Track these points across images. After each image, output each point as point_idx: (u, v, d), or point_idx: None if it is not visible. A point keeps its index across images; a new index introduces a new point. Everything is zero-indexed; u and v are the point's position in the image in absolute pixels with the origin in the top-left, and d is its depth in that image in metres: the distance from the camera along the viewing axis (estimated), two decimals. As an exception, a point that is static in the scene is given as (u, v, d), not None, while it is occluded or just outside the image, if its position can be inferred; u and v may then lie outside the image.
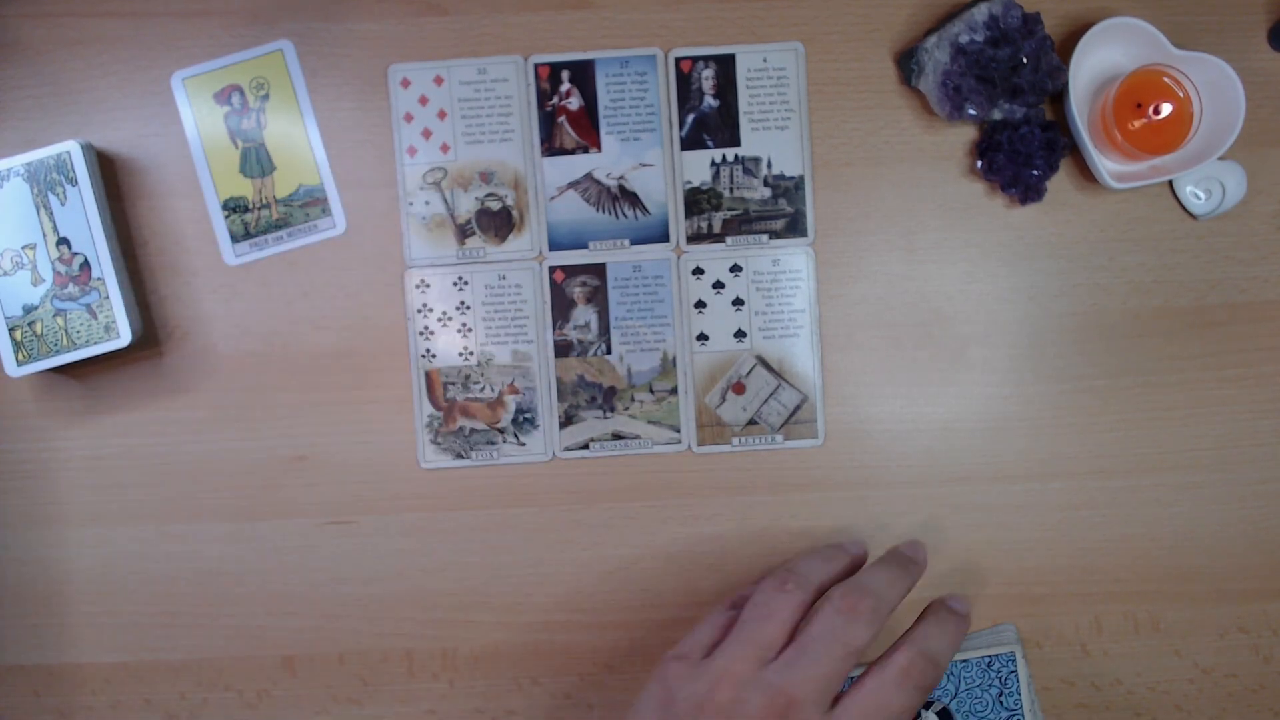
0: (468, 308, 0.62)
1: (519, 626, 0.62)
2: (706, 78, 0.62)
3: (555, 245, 0.62)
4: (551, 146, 0.62)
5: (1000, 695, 0.56)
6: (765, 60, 0.62)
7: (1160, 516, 0.62)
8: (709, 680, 0.47)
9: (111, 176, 0.61)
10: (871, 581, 0.51)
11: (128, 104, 0.61)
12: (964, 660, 0.56)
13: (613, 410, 0.62)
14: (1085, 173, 0.61)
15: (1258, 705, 0.62)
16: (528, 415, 0.62)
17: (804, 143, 0.62)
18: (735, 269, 0.62)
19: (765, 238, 0.62)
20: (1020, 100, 0.59)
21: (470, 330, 0.62)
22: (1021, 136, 0.59)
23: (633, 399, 0.62)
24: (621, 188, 0.62)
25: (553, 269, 0.62)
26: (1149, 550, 0.62)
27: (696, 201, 0.62)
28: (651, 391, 0.62)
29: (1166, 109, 0.59)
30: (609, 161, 0.62)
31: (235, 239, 0.62)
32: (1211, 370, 0.62)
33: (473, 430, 0.62)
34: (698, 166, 0.62)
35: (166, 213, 0.62)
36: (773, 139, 0.62)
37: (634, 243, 0.62)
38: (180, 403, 0.62)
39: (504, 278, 0.62)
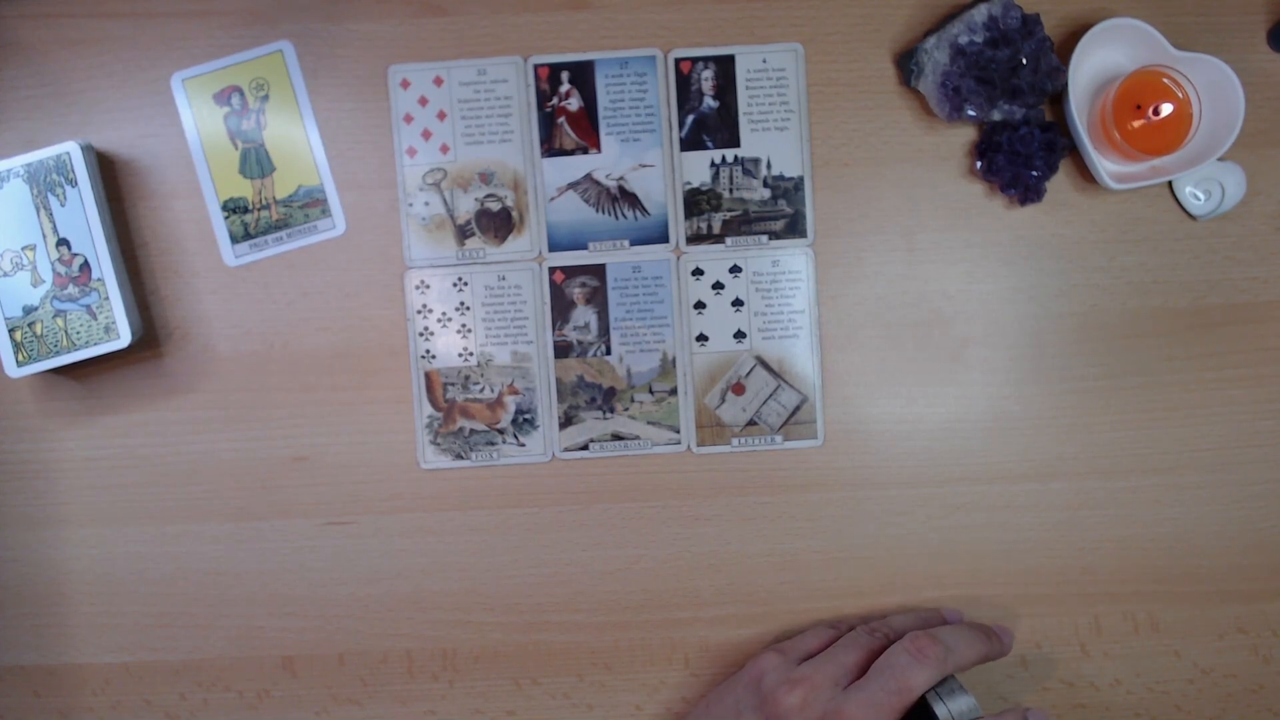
0: (467, 308, 0.62)
1: (519, 626, 0.62)
2: (706, 78, 0.62)
3: (555, 246, 0.62)
4: (551, 147, 0.62)
5: None
6: (765, 61, 0.62)
7: (1160, 516, 0.62)
8: (792, 679, 0.54)
9: (111, 177, 0.61)
10: (947, 634, 0.55)
11: (128, 104, 0.61)
12: None
13: (612, 411, 0.62)
14: (1085, 173, 0.61)
15: (1257, 705, 0.62)
16: (527, 416, 0.62)
17: (803, 143, 0.62)
18: (735, 270, 0.62)
19: (765, 238, 0.62)
20: (1020, 101, 0.59)
21: (470, 331, 0.62)
22: (1021, 137, 0.59)
23: (632, 400, 0.62)
24: (621, 188, 0.62)
25: (552, 270, 0.62)
26: (1149, 550, 0.62)
27: (696, 202, 0.62)
28: (651, 392, 0.62)
29: (1166, 109, 0.59)
30: (609, 162, 0.62)
31: (235, 240, 0.62)
32: (1211, 371, 0.62)
33: (472, 431, 0.62)
34: (697, 167, 0.62)
35: (166, 213, 0.62)
36: (772, 140, 0.62)
37: (634, 243, 0.62)
38: (180, 403, 0.62)
39: (504, 278, 0.62)
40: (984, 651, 0.56)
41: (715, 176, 0.62)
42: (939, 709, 0.53)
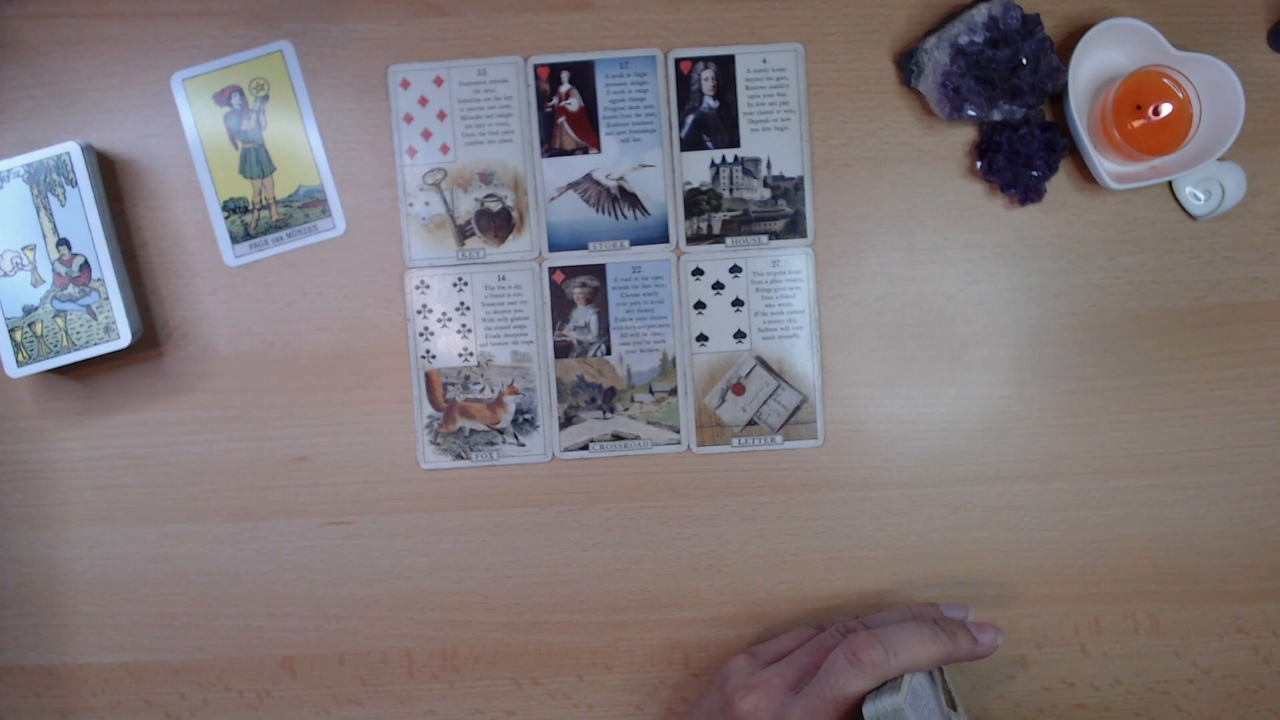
0: (467, 308, 0.62)
1: (519, 626, 0.62)
2: (706, 78, 0.62)
3: (555, 246, 0.62)
4: (551, 147, 0.62)
5: None
6: (765, 61, 0.62)
7: (1160, 516, 0.62)
8: (750, 683, 0.54)
9: (111, 177, 0.61)
10: (894, 635, 0.52)
11: (128, 104, 0.61)
12: None
13: (612, 411, 0.62)
14: (1085, 173, 0.61)
15: (1257, 705, 0.62)
16: (527, 416, 0.62)
17: (803, 143, 0.62)
18: (735, 270, 0.62)
19: (765, 238, 0.62)
20: (1020, 101, 0.59)
21: (470, 331, 0.62)
22: (1021, 137, 0.59)
23: (632, 400, 0.62)
24: (621, 188, 0.62)
25: (552, 270, 0.62)
26: (1149, 550, 0.62)
27: (696, 202, 0.62)
28: (651, 392, 0.62)
29: (1166, 109, 0.59)
30: (609, 162, 0.62)
31: (235, 240, 0.62)
32: (1211, 370, 0.62)
33: (472, 431, 0.62)
34: (697, 167, 0.62)
35: (166, 213, 0.62)
36: (772, 140, 0.62)
37: (634, 243, 0.62)
38: (180, 403, 0.62)
39: (504, 278, 0.62)
40: (938, 652, 0.52)
41: (715, 176, 0.62)
42: (866, 709, 0.51)
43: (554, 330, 0.62)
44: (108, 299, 0.59)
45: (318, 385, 0.62)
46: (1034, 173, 0.59)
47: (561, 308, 0.62)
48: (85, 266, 0.59)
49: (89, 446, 0.62)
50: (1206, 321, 0.62)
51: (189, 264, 0.62)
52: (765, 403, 0.62)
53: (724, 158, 0.62)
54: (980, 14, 0.58)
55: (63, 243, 0.59)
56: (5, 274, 0.59)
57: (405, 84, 0.62)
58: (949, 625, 0.54)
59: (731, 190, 0.62)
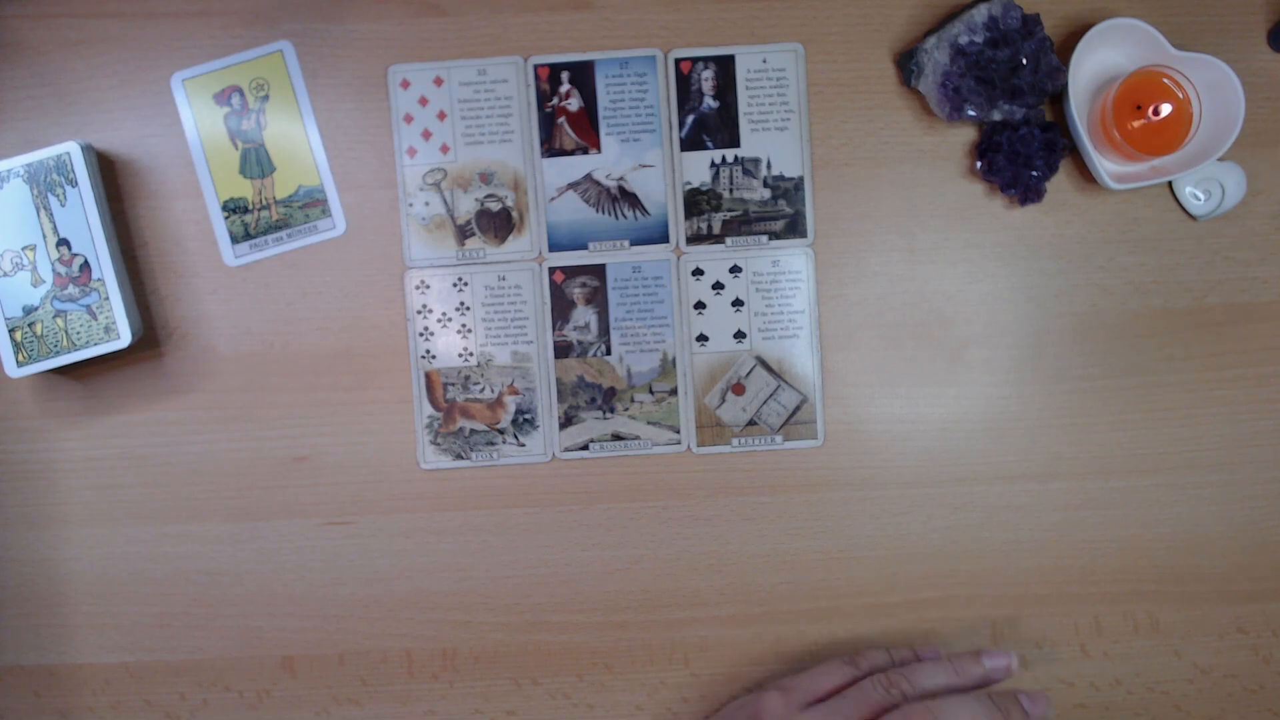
0: (467, 308, 0.62)
1: (519, 626, 0.62)
2: (706, 78, 0.62)
3: (555, 246, 0.62)
4: (551, 147, 0.62)
5: None
6: (765, 61, 0.62)
7: (1160, 516, 0.62)
8: None
9: (111, 177, 0.61)
10: (955, 713, 0.52)
11: (128, 104, 0.61)
12: None
13: (612, 411, 0.62)
14: (1085, 173, 0.61)
15: (1257, 705, 0.62)
16: (527, 416, 0.62)
17: (804, 143, 0.62)
18: (735, 270, 0.62)
19: (765, 238, 0.62)
20: (1020, 101, 0.59)
21: (470, 331, 0.62)
22: (1021, 137, 0.59)
23: (632, 400, 0.62)
24: (621, 188, 0.62)
25: (552, 270, 0.62)
26: (1149, 550, 0.62)
27: (696, 202, 0.62)
28: (651, 392, 0.62)
29: (1166, 109, 0.59)
30: (609, 162, 0.62)
31: (235, 240, 0.62)
32: (1211, 370, 0.62)
33: (472, 431, 0.62)
34: (697, 167, 0.62)
35: (166, 213, 0.62)
36: (772, 140, 0.62)
37: (634, 243, 0.62)
38: (180, 403, 0.62)
39: (504, 278, 0.62)
40: None
41: (715, 176, 0.62)
42: None
43: (554, 330, 0.62)
44: (108, 299, 0.59)
45: (318, 385, 0.62)
46: (1034, 173, 0.59)
47: (561, 308, 0.62)
48: (85, 266, 0.59)
49: (89, 446, 0.62)
50: (1206, 321, 0.62)
51: (189, 264, 0.62)
52: (765, 403, 0.62)
53: (724, 158, 0.62)
54: (980, 14, 0.58)
55: (63, 243, 0.59)
56: (5, 274, 0.59)
57: (405, 84, 0.62)
58: (1004, 702, 0.53)
59: (731, 190, 0.62)
